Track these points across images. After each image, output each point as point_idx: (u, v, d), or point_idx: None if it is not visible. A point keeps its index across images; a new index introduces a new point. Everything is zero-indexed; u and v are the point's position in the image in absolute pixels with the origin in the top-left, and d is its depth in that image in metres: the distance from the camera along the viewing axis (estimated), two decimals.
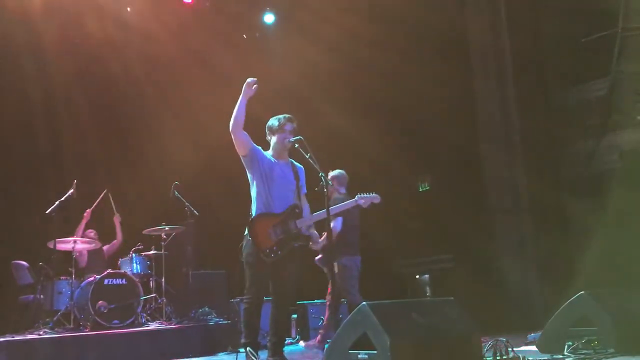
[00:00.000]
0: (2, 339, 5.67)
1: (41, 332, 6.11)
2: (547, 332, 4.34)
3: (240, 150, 4.51)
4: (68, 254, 6.83)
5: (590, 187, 7.12)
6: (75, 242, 6.76)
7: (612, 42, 6.89)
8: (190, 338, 6.30)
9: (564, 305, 4.30)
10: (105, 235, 7.59)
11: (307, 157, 4.44)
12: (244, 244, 4.48)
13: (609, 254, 6.64)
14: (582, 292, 4.21)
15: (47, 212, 6.57)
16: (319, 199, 4.51)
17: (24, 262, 7.05)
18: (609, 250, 6.64)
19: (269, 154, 4.63)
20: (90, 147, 8.13)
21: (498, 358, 3.57)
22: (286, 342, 6.95)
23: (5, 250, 7.16)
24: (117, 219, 7.70)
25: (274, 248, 4.35)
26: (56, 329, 6.28)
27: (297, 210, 4.50)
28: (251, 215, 4.50)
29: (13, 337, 5.99)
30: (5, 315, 6.83)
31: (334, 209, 4.64)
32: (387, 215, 8.54)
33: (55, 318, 6.41)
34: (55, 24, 7.58)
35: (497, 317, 7.50)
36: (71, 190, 6.57)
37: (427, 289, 7.99)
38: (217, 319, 6.93)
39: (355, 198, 4.90)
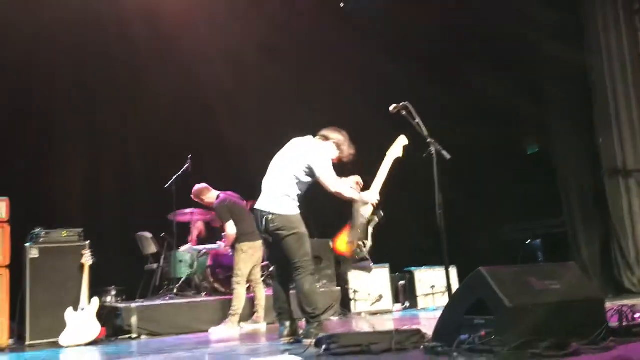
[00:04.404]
0: (133, 304, 6.17)
1: (167, 298, 6.59)
2: None
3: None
4: (188, 225, 7.27)
5: None
6: (192, 214, 7.16)
7: None
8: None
9: None
10: None
11: (413, 123, 4.42)
12: (292, 219, 4.46)
13: None
14: None
15: (165, 186, 7.01)
16: None
17: (148, 233, 7.57)
18: None
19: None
20: (202, 124, 8.44)
21: (625, 324, 3.42)
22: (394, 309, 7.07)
23: (131, 222, 7.70)
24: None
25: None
26: (179, 294, 6.75)
27: None
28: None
29: (142, 302, 6.52)
30: (132, 283, 7.39)
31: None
32: (495, 179, 8.33)
33: (178, 285, 6.89)
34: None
35: (615, 283, 7.15)
36: (187, 165, 6.95)
37: (539, 254, 7.75)
38: (327, 285, 7.15)
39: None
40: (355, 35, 8.59)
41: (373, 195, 4.57)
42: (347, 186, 4.51)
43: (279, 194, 4.50)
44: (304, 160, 4.50)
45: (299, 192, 4.52)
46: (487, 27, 7.78)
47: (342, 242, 4.46)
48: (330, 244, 4.58)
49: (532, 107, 7.95)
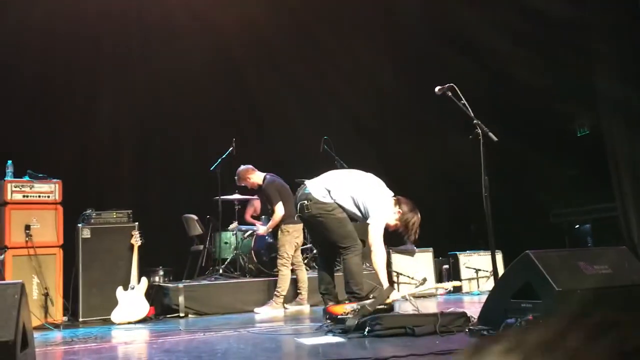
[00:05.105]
0: (180, 284, 6.32)
1: (212, 278, 6.72)
2: None
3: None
4: (233, 207, 7.36)
5: None
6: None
7: None
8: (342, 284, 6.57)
9: None
10: None
11: (459, 104, 4.36)
12: (327, 207, 4.58)
13: None
14: None
15: (210, 169, 7.11)
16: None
17: (193, 215, 7.70)
18: None
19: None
20: (244, 109, 8.51)
21: None
22: (439, 292, 7.04)
23: (177, 204, 7.85)
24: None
25: None
26: (224, 275, 6.87)
27: None
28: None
29: (189, 282, 6.66)
30: (179, 263, 7.56)
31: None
32: (543, 162, 8.14)
33: (223, 265, 7.00)
34: None
35: None
36: (231, 148, 7.02)
37: (589, 239, 7.56)
38: (369, 267, 7.14)
39: None
40: (395, 15, 8.50)
41: (396, 293, 4.49)
42: (384, 251, 4.52)
43: (324, 189, 4.63)
44: (370, 199, 4.58)
45: (338, 206, 4.62)
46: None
47: (340, 306, 4.41)
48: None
49: (582, 88, 7.71)
